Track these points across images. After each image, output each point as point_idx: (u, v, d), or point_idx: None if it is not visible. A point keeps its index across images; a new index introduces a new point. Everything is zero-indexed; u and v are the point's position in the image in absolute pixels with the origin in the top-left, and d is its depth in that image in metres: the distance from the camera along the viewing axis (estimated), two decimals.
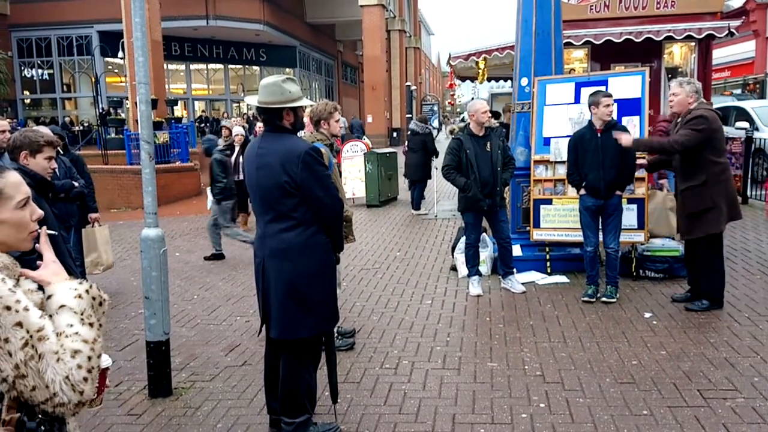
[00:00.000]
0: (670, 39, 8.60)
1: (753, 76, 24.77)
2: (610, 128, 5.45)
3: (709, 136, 4.98)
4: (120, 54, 19.79)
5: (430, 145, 11.39)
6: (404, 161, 11.96)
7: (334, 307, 3.37)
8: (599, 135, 5.50)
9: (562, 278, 6.38)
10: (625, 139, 5.29)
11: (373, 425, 3.58)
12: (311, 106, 4.20)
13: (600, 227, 5.71)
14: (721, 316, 5.12)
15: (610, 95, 5.50)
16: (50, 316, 1.49)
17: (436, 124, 35.90)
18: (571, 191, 6.17)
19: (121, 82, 26.11)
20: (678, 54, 9.98)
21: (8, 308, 1.38)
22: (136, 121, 14.08)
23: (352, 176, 12.40)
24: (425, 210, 11.30)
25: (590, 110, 5.58)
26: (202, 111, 32.60)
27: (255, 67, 34.09)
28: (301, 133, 4.26)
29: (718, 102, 15.53)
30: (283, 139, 3.18)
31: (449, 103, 68.05)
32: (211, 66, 33.51)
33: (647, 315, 5.21)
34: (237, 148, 9.58)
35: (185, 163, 15.05)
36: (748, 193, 10.26)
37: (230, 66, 33.70)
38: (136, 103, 8.46)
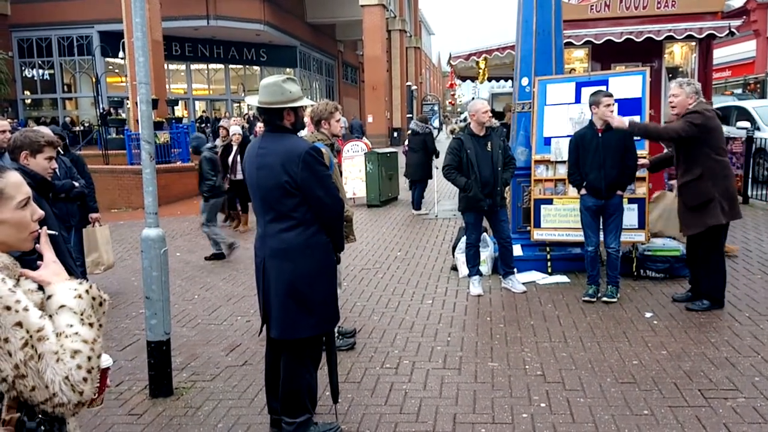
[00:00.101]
0: (670, 39, 8.58)
1: (754, 76, 24.76)
2: (611, 128, 5.45)
3: (706, 133, 4.98)
4: (120, 54, 19.80)
5: (430, 144, 11.39)
6: (405, 161, 11.96)
7: (334, 307, 3.37)
8: (600, 135, 5.49)
9: (562, 278, 6.38)
10: (618, 120, 5.29)
11: (374, 425, 3.57)
12: (312, 106, 4.20)
13: (601, 227, 5.71)
14: (721, 315, 5.11)
15: (610, 95, 5.50)
16: (50, 316, 1.49)
17: (436, 123, 35.92)
18: (572, 191, 6.16)
19: (121, 82, 26.13)
20: (679, 54, 9.97)
21: (8, 308, 1.38)
22: (137, 121, 14.05)
23: (353, 176, 12.40)
24: (426, 210, 11.30)
25: (591, 110, 5.58)
26: (203, 111, 32.62)
27: (255, 67, 34.10)
28: (301, 133, 4.26)
29: (719, 102, 15.52)
30: (284, 139, 3.18)
31: (450, 102, 68.08)
32: (212, 66, 33.53)
33: (648, 315, 5.21)
34: (235, 148, 9.58)
35: (186, 163, 15.04)
36: (749, 192, 10.26)
37: (231, 66, 33.71)
38: (136, 103, 8.45)
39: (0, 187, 1.55)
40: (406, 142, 12.20)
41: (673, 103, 5.21)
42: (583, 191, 5.63)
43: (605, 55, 9.01)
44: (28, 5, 27.37)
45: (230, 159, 9.55)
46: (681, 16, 8.92)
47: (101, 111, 19.63)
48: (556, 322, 5.15)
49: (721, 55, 22.63)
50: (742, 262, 6.65)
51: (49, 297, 1.53)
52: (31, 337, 1.40)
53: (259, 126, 10.44)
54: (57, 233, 2.51)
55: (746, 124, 11.83)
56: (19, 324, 1.39)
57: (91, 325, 1.52)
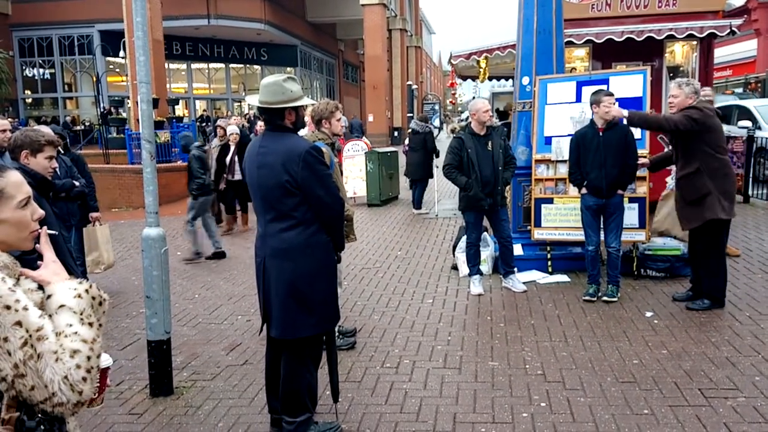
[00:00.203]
0: (671, 38, 8.57)
1: (755, 75, 24.69)
2: (611, 127, 5.45)
3: (705, 130, 4.97)
4: (121, 53, 19.78)
5: (430, 143, 11.38)
6: (405, 160, 11.96)
7: (335, 306, 3.37)
8: (601, 134, 5.49)
9: (563, 277, 6.38)
10: (616, 110, 5.28)
11: (374, 424, 3.57)
12: (312, 105, 4.20)
13: (601, 226, 5.71)
14: (722, 315, 5.11)
15: (611, 94, 5.50)
16: (50, 315, 1.49)
17: (437, 123, 35.89)
18: (573, 190, 6.16)
19: (122, 81, 26.11)
20: (679, 53, 9.96)
21: (8, 307, 1.38)
22: (138, 120, 14.07)
23: (354, 175, 12.40)
24: (426, 209, 11.29)
25: (592, 109, 5.58)
26: (204, 110, 32.60)
27: (256, 66, 34.08)
28: (302, 132, 4.26)
29: (721, 101, 15.49)
30: (285, 139, 3.17)
31: (450, 102, 68.10)
32: (213, 65, 33.51)
33: (648, 314, 5.21)
34: (232, 148, 9.51)
35: (186, 162, 15.02)
36: (750, 192, 10.24)
37: (231, 65, 33.69)
38: (137, 102, 8.45)
39: (0, 187, 1.55)
40: (406, 142, 12.19)
41: (673, 104, 5.20)
42: (584, 190, 5.63)
43: (606, 54, 9.01)
44: (28, 5, 27.38)
45: (228, 159, 9.48)
46: (682, 15, 8.92)
47: (102, 110, 19.63)
48: (557, 322, 5.15)
49: (722, 54, 22.59)
50: (743, 262, 6.65)
51: (48, 296, 1.53)
52: (30, 336, 1.40)
53: (260, 125, 10.44)
54: (57, 233, 2.51)
55: (747, 123, 11.81)
56: (19, 323, 1.39)
57: (90, 324, 1.52)
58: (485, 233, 6.56)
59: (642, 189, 6.14)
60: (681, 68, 9.80)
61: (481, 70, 10.73)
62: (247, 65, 34.31)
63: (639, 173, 5.85)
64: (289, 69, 33.25)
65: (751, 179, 10.37)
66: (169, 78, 27.41)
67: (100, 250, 6.29)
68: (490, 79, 13.47)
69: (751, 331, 4.74)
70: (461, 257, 6.57)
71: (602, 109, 5.40)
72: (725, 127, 6.74)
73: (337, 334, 4.31)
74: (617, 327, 4.95)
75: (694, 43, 9.20)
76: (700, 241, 5.24)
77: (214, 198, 8.37)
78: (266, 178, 3.14)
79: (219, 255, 8.06)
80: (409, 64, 43.41)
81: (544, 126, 6.61)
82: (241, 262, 7.77)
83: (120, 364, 4.56)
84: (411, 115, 30.80)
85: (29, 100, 30.43)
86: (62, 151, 5.49)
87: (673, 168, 5.65)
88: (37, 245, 1.63)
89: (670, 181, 6.89)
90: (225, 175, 9.47)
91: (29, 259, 1.69)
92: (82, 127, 26.90)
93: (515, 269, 6.22)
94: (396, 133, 32.77)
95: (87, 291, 1.56)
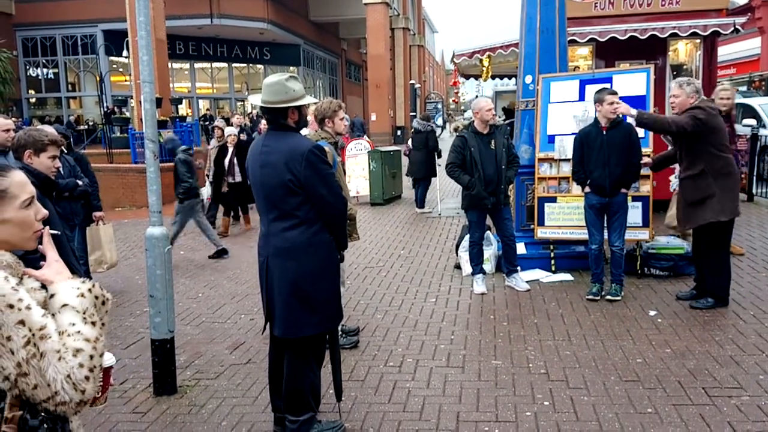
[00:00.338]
0: (675, 36, 8.55)
1: (759, 73, 24.60)
2: (615, 126, 5.43)
3: (708, 130, 4.96)
4: (124, 53, 19.81)
5: (432, 142, 11.36)
6: (409, 159, 11.95)
7: (338, 305, 3.37)
8: (605, 133, 5.48)
9: (566, 276, 6.37)
10: (624, 107, 5.27)
11: (377, 423, 3.58)
12: (315, 104, 4.20)
13: (605, 225, 5.69)
14: (726, 314, 5.10)
15: (615, 92, 5.48)
16: (53, 314, 1.49)
17: (440, 122, 35.85)
18: (576, 189, 6.16)
19: (125, 81, 26.12)
20: (683, 51, 9.93)
21: (11, 306, 1.39)
22: (141, 119, 14.08)
23: (357, 174, 12.40)
24: (429, 208, 11.29)
25: (595, 108, 5.57)
26: (207, 109, 32.62)
27: (259, 66, 34.08)
28: (305, 131, 4.26)
29: None
30: (287, 138, 3.18)
31: (453, 101, 68.05)
32: (216, 65, 33.52)
33: (652, 313, 5.20)
34: (231, 149, 9.40)
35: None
36: (754, 190, 10.21)
37: (234, 64, 33.71)
38: (140, 101, 8.45)
39: (4, 186, 1.55)
40: (409, 142, 12.18)
41: (674, 104, 5.20)
42: (587, 189, 5.62)
43: (609, 52, 8.99)
44: (32, 5, 27.42)
45: (227, 161, 9.36)
46: (685, 14, 8.91)
47: (105, 110, 19.67)
48: (560, 321, 5.14)
49: (725, 52, 22.50)
50: (747, 260, 6.63)
51: (51, 296, 1.53)
52: (33, 335, 1.40)
53: (263, 124, 10.43)
54: (60, 232, 2.52)
55: (752, 121, 11.77)
56: (22, 322, 1.39)
57: (93, 323, 1.52)
58: (488, 232, 6.56)
59: (645, 187, 6.13)
60: (684, 66, 9.78)
61: (484, 68, 10.73)
62: (250, 64, 34.31)
63: (642, 172, 5.83)
64: (292, 68, 33.26)
65: (755, 178, 10.34)
66: (172, 77, 27.45)
67: (104, 250, 6.30)
68: (493, 77, 13.46)
69: (755, 329, 4.73)
70: (464, 256, 6.56)
71: (608, 107, 5.38)
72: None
73: (340, 333, 4.31)
74: (621, 326, 4.94)
75: (698, 41, 9.17)
76: (704, 240, 5.23)
77: (203, 202, 8.23)
78: (269, 177, 3.14)
79: (220, 252, 8.04)
80: (412, 63, 43.37)
81: (548, 125, 6.60)
82: (244, 261, 7.78)
83: (123, 363, 4.57)
84: (414, 113, 30.78)
85: (33, 100, 30.48)
86: (65, 151, 5.51)
87: (677, 166, 5.64)
88: (40, 246, 1.63)
89: (674, 180, 6.88)
90: (225, 178, 9.39)
91: (32, 258, 1.69)
92: (86, 126, 26.94)
93: (518, 268, 6.21)
94: (399, 132, 32.76)
95: (90, 290, 1.56)
